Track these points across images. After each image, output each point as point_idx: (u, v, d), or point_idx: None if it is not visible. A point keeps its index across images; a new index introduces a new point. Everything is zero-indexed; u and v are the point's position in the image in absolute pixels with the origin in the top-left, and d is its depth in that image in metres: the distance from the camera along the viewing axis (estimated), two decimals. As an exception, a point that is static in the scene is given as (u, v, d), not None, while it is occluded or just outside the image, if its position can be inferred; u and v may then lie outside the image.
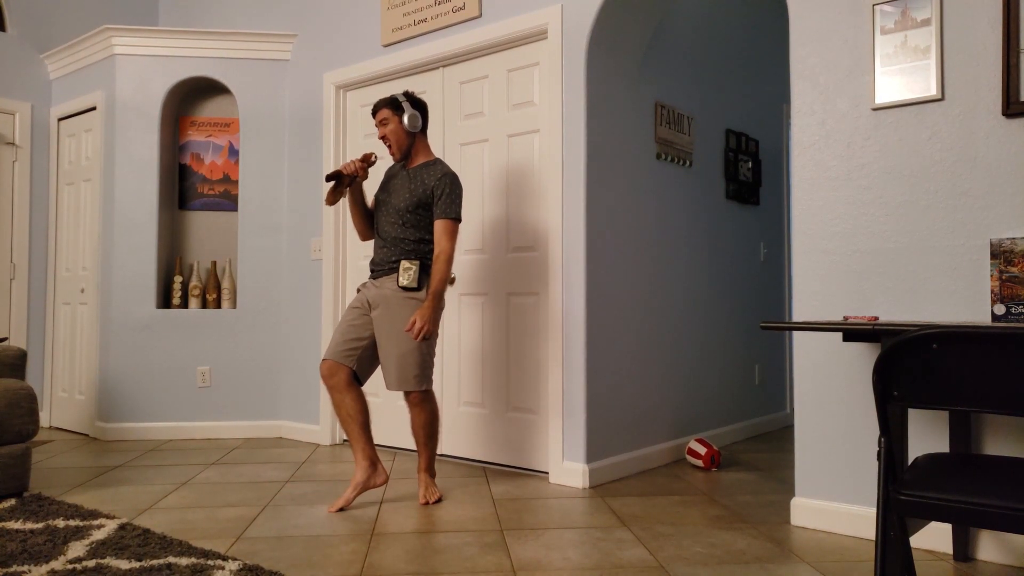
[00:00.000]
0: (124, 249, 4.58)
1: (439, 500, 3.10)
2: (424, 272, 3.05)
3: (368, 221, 3.21)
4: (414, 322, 2.88)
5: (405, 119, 3.05)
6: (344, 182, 3.00)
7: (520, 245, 3.65)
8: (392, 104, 3.08)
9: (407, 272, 3.00)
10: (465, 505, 3.02)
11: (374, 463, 3.04)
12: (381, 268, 3.08)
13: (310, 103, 4.57)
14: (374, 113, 3.11)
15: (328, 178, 2.95)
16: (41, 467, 3.77)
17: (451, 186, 3.03)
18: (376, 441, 4.22)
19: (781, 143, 5.16)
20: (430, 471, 3.16)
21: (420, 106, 3.12)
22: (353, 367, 3.00)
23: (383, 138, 3.09)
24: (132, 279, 4.57)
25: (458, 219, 3.03)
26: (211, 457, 3.99)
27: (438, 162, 3.10)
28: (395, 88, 4.20)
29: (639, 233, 3.74)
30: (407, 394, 3.02)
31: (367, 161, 3.07)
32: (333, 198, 3.00)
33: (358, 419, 3.01)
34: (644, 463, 3.69)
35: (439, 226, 3.02)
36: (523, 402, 3.61)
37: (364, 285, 3.14)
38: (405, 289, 3.00)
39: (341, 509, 2.96)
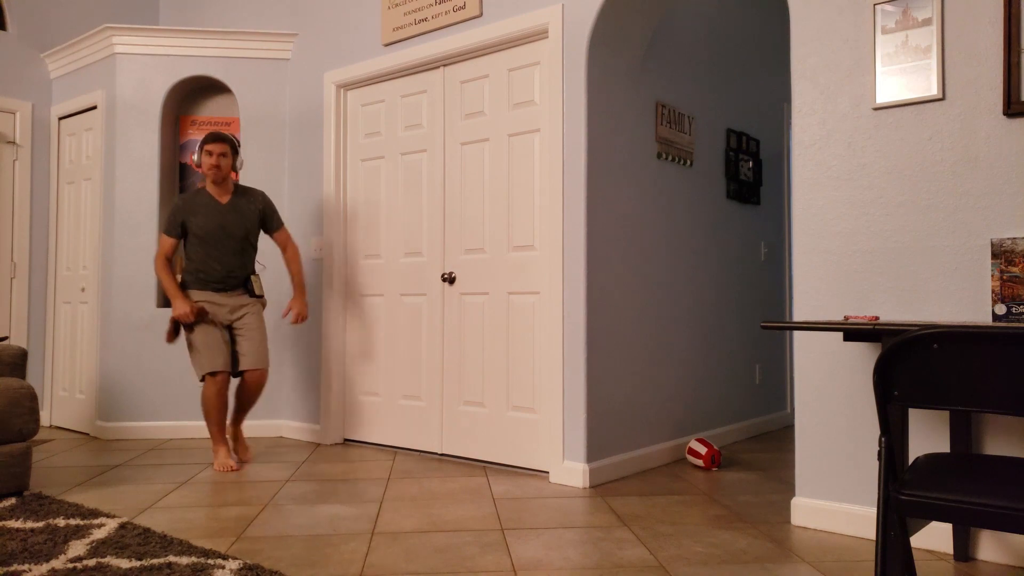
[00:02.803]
0: (124, 248, 4.58)
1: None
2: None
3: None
4: (299, 313, 3.85)
5: (237, 162, 3.85)
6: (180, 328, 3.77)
7: (520, 244, 3.65)
8: (232, 144, 3.82)
9: (258, 283, 3.88)
10: (465, 505, 3.02)
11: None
12: (228, 284, 3.79)
13: (310, 102, 4.57)
14: (213, 141, 3.73)
15: (172, 321, 3.69)
16: (41, 466, 3.78)
17: (271, 202, 3.93)
18: (376, 441, 4.22)
19: (782, 143, 5.16)
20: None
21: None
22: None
23: (216, 166, 3.70)
24: (132, 278, 4.57)
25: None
26: (211, 457, 3.99)
27: (248, 188, 3.88)
28: (395, 88, 4.20)
29: (639, 233, 3.74)
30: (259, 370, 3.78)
31: (201, 314, 3.68)
32: (173, 338, 3.73)
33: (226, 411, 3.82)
34: (644, 463, 3.69)
35: (284, 234, 3.93)
36: (523, 402, 3.61)
37: (203, 303, 3.76)
38: (259, 296, 3.87)
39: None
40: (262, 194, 3.88)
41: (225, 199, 3.78)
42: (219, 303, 3.75)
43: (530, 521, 2.79)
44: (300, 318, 3.85)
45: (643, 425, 3.72)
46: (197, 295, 3.73)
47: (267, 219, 3.88)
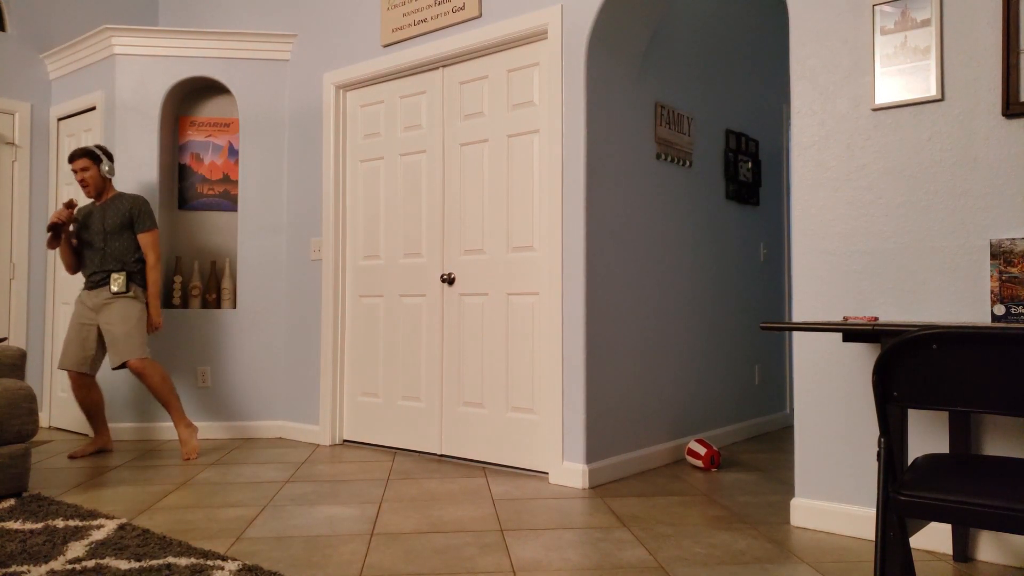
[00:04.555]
0: (124, 249, 4.58)
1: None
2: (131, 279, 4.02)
3: (75, 256, 4.09)
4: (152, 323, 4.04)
5: (104, 168, 4.01)
6: (63, 229, 3.92)
7: (520, 245, 3.65)
8: (90, 155, 3.98)
9: (116, 281, 3.96)
10: (465, 505, 3.02)
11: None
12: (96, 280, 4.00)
13: (310, 103, 4.57)
14: (71, 160, 3.95)
15: (48, 228, 3.87)
16: (40, 467, 3.77)
17: (144, 205, 4.04)
18: (375, 442, 4.22)
19: (781, 143, 5.16)
20: (184, 422, 3.97)
21: (111, 156, 4.09)
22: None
23: (81, 181, 3.96)
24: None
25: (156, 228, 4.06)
26: (211, 457, 3.99)
27: (124, 194, 4.06)
28: (395, 89, 4.20)
29: (639, 233, 3.74)
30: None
31: (70, 206, 3.86)
32: (54, 243, 3.93)
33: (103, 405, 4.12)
34: (644, 463, 3.69)
35: (146, 238, 4.03)
36: (522, 403, 3.61)
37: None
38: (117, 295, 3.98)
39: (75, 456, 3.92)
40: (137, 198, 4.04)
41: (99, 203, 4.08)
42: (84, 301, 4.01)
43: (529, 522, 2.79)
44: (152, 328, 4.02)
45: (642, 426, 3.72)
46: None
47: (135, 220, 4.02)
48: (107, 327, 3.89)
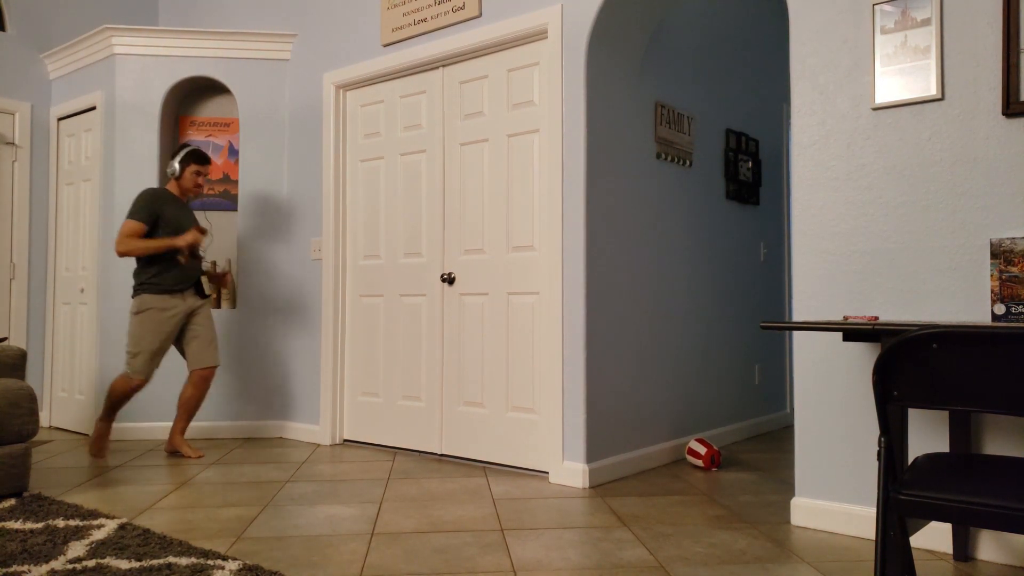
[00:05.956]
0: (124, 249, 4.57)
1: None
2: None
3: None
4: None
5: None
6: (218, 279, 4.14)
7: (520, 245, 3.65)
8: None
9: (206, 284, 4.04)
10: (465, 505, 3.02)
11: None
12: (187, 284, 3.97)
13: (310, 103, 4.57)
14: (207, 161, 4.01)
15: (187, 250, 3.88)
16: (41, 467, 3.77)
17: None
18: (375, 441, 4.22)
19: (781, 143, 5.16)
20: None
21: None
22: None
23: (202, 185, 4.01)
24: (132, 279, 4.57)
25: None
26: (211, 457, 3.99)
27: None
28: (395, 88, 4.20)
29: (639, 233, 3.74)
30: (210, 368, 4.00)
31: (204, 232, 3.91)
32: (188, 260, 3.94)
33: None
34: (644, 463, 3.69)
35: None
36: (523, 402, 3.61)
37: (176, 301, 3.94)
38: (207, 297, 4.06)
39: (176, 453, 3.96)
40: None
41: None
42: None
43: (530, 521, 2.79)
44: (200, 235, 3.93)
45: (643, 425, 3.72)
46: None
47: None
48: (199, 329, 3.95)
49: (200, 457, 3.95)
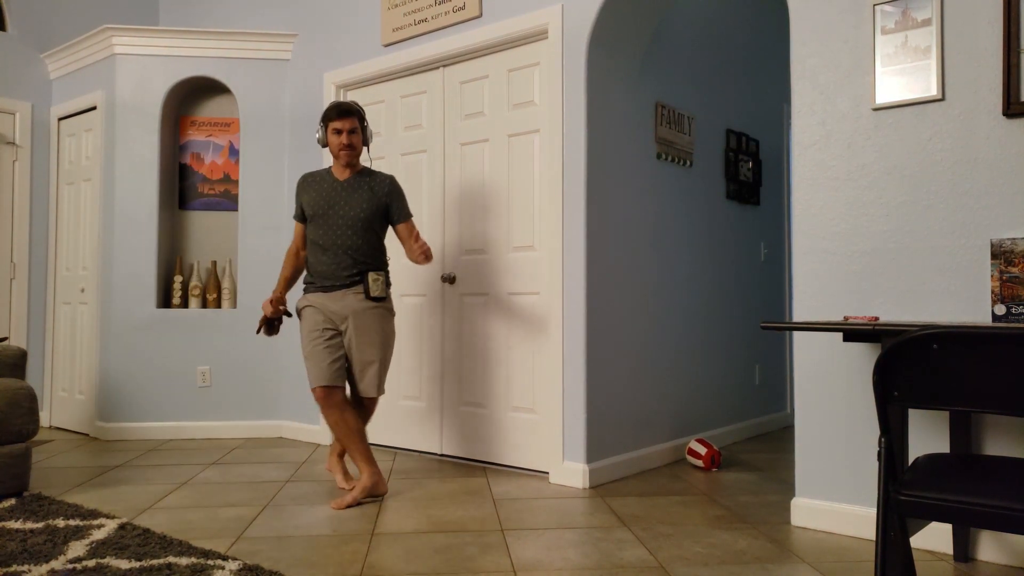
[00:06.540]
0: (124, 249, 4.58)
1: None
2: (388, 281, 3.18)
3: (296, 273, 3.32)
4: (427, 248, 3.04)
5: (368, 133, 3.21)
6: (275, 325, 3.22)
7: (520, 245, 3.65)
8: (360, 115, 3.15)
9: (376, 283, 3.08)
10: (465, 505, 3.02)
11: (378, 469, 3.11)
12: (335, 282, 3.09)
13: (310, 103, 4.56)
14: (340, 116, 3.07)
15: (262, 325, 3.21)
16: (41, 467, 3.77)
17: (400, 190, 3.20)
18: (376, 441, 4.22)
19: (781, 143, 5.16)
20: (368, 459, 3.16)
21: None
22: (343, 385, 3.08)
23: (348, 145, 3.07)
24: (132, 279, 4.57)
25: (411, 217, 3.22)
26: (211, 457, 3.99)
27: (375, 171, 3.22)
28: (395, 88, 4.20)
29: (639, 233, 3.74)
30: (370, 399, 3.19)
31: (279, 303, 3.17)
32: (272, 333, 3.25)
33: (360, 431, 3.08)
34: (644, 463, 3.69)
35: (404, 229, 3.15)
36: (523, 402, 3.61)
37: (311, 302, 3.11)
38: (376, 299, 3.09)
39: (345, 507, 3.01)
40: (391, 178, 3.20)
41: (344, 176, 3.15)
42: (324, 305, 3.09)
43: (530, 522, 2.79)
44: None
45: (643, 425, 3.72)
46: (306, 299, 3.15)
47: (390, 208, 3.16)
48: (363, 343, 3.08)
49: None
